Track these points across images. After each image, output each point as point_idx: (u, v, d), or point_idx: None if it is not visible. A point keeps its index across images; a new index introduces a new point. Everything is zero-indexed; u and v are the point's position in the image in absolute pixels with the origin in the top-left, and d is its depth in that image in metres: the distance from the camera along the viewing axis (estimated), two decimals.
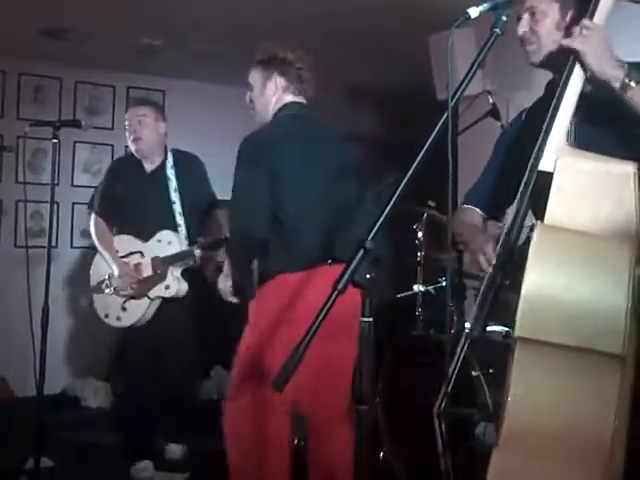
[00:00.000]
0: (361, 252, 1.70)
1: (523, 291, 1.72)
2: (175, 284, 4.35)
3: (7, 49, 5.94)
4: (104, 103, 6.73)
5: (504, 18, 1.91)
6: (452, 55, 1.97)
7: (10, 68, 6.29)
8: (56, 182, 6.39)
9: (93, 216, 4.58)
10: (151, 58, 6.08)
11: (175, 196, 4.46)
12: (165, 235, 4.41)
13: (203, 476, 4.36)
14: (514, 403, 1.75)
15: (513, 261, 1.97)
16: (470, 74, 1.86)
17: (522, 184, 2.00)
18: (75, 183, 6.57)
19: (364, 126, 7.50)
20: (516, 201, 2.02)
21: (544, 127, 1.99)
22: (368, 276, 1.71)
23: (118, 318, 4.48)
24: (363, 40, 5.39)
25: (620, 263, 1.72)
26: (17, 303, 6.23)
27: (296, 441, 3.83)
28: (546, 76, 2.42)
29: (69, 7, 4.87)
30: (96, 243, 4.52)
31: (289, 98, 3.33)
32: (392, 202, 1.73)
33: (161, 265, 4.36)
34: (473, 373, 3.35)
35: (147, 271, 4.41)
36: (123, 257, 4.50)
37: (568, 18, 2.22)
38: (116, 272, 4.45)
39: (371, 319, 1.79)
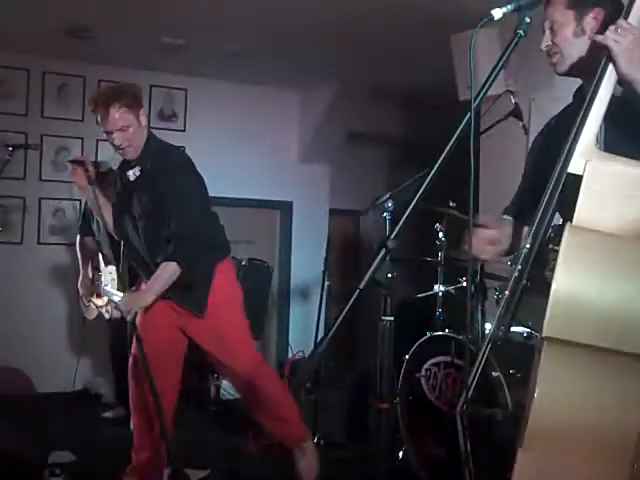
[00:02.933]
0: (382, 251, 1.71)
1: (552, 292, 1.72)
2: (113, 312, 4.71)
3: (31, 48, 6.00)
4: None
5: (527, 20, 1.91)
6: (475, 56, 1.97)
7: (34, 67, 6.34)
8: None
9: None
10: (173, 56, 6.12)
11: None
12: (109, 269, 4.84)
13: (224, 472, 4.38)
14: (540, 402, 1.75)
15: (538, 263, 1.97)
16: (493, 76, 1.86)
17: (550, 186, 1.99)
18: None
19: (387, 126, 7.51)
20: (543, 203, 2.02)
21: (574, 130, 1.98)
22: (389, 275, 1.72)
23: (88, 313, 5.10)
24: (385, 41, 5.39)
25: None
26: (40, 300, 6.31)
27: None
28: (570, 77, 2.42)
29: (92, 6, 4.91)
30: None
31: None
32: (414, 202, 1.74)
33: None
34: (493, 374, 3.35)
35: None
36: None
37: (585, 23, 2.21)
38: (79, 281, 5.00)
39: (392, 318, 1.79)
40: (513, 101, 4.20)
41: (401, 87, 6.77)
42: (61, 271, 6.41)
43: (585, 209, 1.85)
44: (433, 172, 1.77)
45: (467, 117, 1.81)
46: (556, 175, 1.96)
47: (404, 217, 1.75)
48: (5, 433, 4.49)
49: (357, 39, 5.42)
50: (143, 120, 3.67)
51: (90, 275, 5.01)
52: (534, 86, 4.86)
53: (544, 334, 1.73)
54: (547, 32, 2.26)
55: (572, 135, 1.97)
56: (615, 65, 1.98)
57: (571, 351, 1.73)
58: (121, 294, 3.78)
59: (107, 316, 4.88)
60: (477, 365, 2.05)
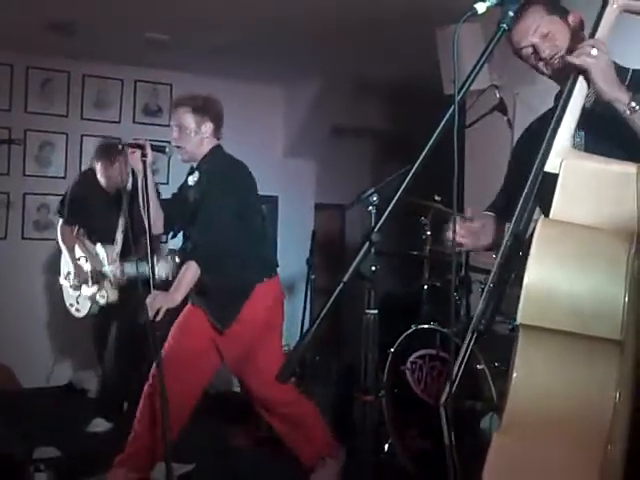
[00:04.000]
0: (366, 244, 1.72)
1: (525, 280, 1.79)
2: (109, 294, 4.94)
3: (15, 43, 5.95)
4: (112, 96, 6.75)
5: (511, 13, 1.93)
6: (459, 50, 1.98)
7: (18, 62, 6.31)
8: (63, 175, 6.53)
9: None
10: (158, 52, 6.10)
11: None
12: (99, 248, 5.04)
13: (209, 467, 4.38)
14: (516, 388, 1.81)
15: (519, 256, 2.00)
16: (476, 69, 1.87)
17: (528, 184, 2.05)
18: None
19: (372, 121, 7.52)
20: (521, 200, 2.07)
21: (549, 132, 2.05)
22: (373, 269, 1.73)
23: (77, 310, 5.19)
24: (370, 35, 5.39)
25: (618, 253, 1.79)
26: (25, 295, 6.29)
27: None
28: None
29: (76, 1, 4.88)
30: None
31: None
32: (397, 196, 1.75)
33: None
34: (478, 366, 3.36)
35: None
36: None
37: (570, 21, 2.31)
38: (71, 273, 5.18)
39: (376, 311, 1.81)
40: (498, 95, 4.22)
41: (386, 81, 6.77)
42: (45, 266, 6.39)
43: (561, 205, 1.93)
44: (416, 166, 1.78)
45: (450, 111, 1.82)
46: (533, 173, 2.03)
47: (387, 211, 1.76)
48: None
49: (341, 34, 5.42)
50: (205, 130, 3.80)
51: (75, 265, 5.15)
52: (518, 81, 4.87)
53: (518, 321, 1.80)
54: (539, 41, 2.34)
55: (548, 137, 2.03)
56: (593, 84, 2.05)
57: (544, 337, 1.80)
58: None
59: (102, 301, 4.96)
60: (461, 358, 2.08)
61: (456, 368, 2.05)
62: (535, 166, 2.04)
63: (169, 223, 3.95)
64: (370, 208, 4.24)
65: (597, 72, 2.03)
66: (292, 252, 6.50)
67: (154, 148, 3.74)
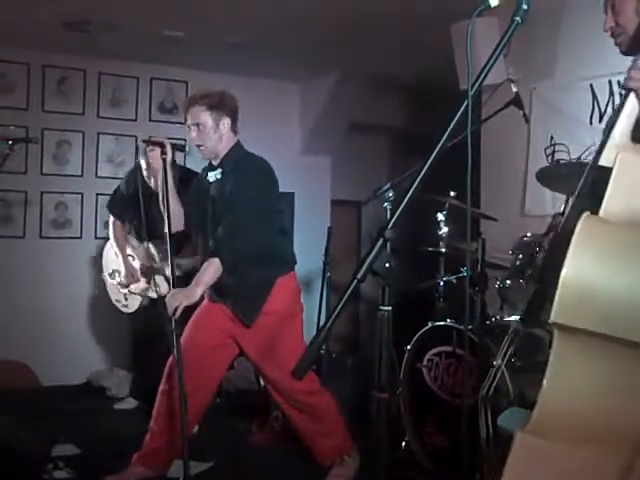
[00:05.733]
0: (380, 241, 1.71)
1: (561, 278, 1.72)
2: (161, 287, 4.95)
3: (31, 42, 5.99)
4: (127, 94, 6.77)
5: (525, 7, 1.90)
6: (473, 44, 1.97)
7: (34, 60, 6.34)
8: (80, 173, 6.57)
9: None
10: (174, 49, 6.11)
11: None
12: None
13: (227, 465, 4.39)
14: (548, 387, 1.77)
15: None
16: (490, 64, 1.85)
17: (582, 179, 1.99)
18: (99, 174, 6.61)
19: (388, 116, 7.50)
20: (574, 195, 2.03)
21: (608, 125, 2.00)
22: (387, 265, 1.72)
23: (125, 306, 5.26)
24: (386, 30, 5.38)
25: None
26: (43, 294, 6.32)
27: None
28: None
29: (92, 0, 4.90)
30: None
31: None
32: (410, 192, 1.73)
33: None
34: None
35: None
36: None
37: None
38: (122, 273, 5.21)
39: (390, 308, 1.80)
40: (514, 90, 4.19)
41: (402, 77, 6.76)
42: (64, 265, 6.42)
43: (612, 201, 1.85)
44: (430, 162, 1.76)
45: (464, 106, 1.81)
46: (588, 168, 1.97)
47: (401, 207, 1.75)
48: (9, 426, 4.50)
49: (358, 29, 5.41)
50: (223, 127, 3.79)
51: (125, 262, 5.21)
52: (536, 75, 4.85)
53: (551, 319, 1.73)
54: (608, 13, 2.27)
55: (606, 131, 1.97)
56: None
57: (580, 338, 1.74)
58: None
59: (154, 295, 5.03)
60: (502, 355, 2.07)
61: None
62: (592, 159, 1.98)
63: (188, 222, 3.95)
64: (386, 204, 4.24)
65: None
66: (308, 248, 6.49)
67: (174, 147, 3.75)
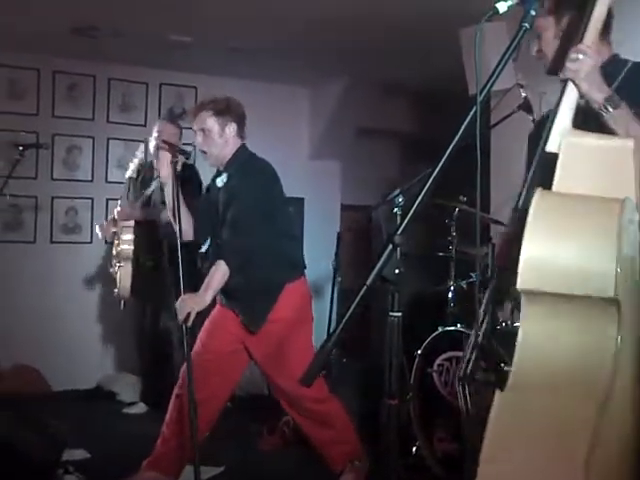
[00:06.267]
0: (389, 247, 1.70)
1: (523, 247, 1.89)
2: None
3: (41, 47, 6.01)
4: (137, 100, 6.79)
5: (533, 12, 1.91)
6: (482, 49, 1.97)
7: (44, 66, 6.35)
8: (90, 179, 6.59)
9: None
10: (183, 55, 6.12)
11: None
12: None
13: (238, 470, 4.39)
14: (520, 349, 1.88)
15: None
16: (499, 69, 1.85)
17: (532, 167, 2.11)
18: (109, 179, 6.63)
19: (397, 122, 7.49)
20: (527, 182, 2.12)
21: (551, 115, 2.11)
22: (397, 271, 1.72)
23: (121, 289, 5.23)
24: (395, 36, 5.37)
25: (608, 215, 1.88)
26: (54, 299, 6.34)
27: None
28: None
29: (100, 5, 4.90)
30: None
31: None
32: (420, 198, 1.73)
33: None
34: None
35: None
36: None
37: (564, 24, 2.37)
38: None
39: (400, 314, 1.79)
40: (523, 95, 4.18)
41: (411, 82, 6.75)
42: (74, 270, 6.43)
43: (561, 182, 2.01)
44: (439, 167, 1.76)
45: (473, 111, 1.81)
46: (536, 157, 2.10)
47: (410, 213, 1.75)
48: (19, 431, 4.51)
49: (367, 34, 5.40)
50: (229, 132, 3.80)
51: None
52: (545, 80, 4.82)
53: (518, 286, 1.90)
54: (535, 40, 2.48)
55: (550, 120, 2.10)
56: (579, 91, 2.12)
57: (543, 300, 1.90)
58: None
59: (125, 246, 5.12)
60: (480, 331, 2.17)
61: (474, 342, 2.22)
62: (539, 147, 2.08)
63: (198, 232, 3.93)
64: (395, 209, 4.23)
65: (580, 76, 2.09)
66: (318, 254, 6.49)
67: (181, 151, 3.76)
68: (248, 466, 4.47)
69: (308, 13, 5.01)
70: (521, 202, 2.09)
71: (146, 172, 5.39)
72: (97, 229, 5.33)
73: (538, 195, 1.94)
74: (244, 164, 3.84)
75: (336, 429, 3.95)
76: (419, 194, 1.76)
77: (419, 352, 4.12)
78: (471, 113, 1.82)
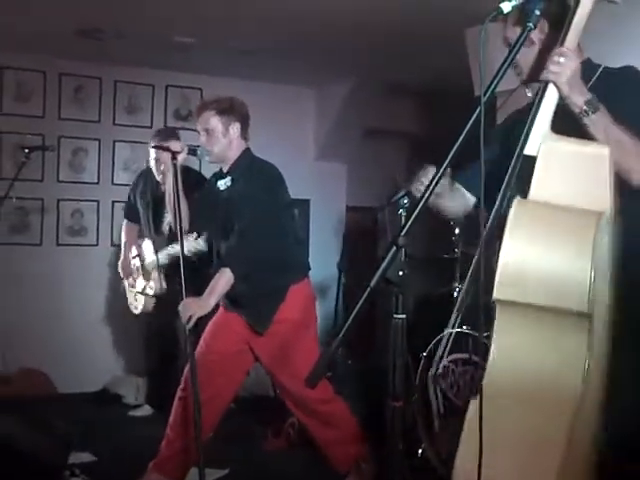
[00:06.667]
0: (393, 249, 1.70)
1: (500, 259, 1.91)
2: (157, 285, 5.13)
3: (47, 50, 6.02)
4: (143, 102, 6.79)
5: (537, 12, 1.90)
6: (487, 49, 1.97)
7: (50, 69, 6.37)
8: (96, 181, 6.60)
9: None
10: (188, 56, 6.12)
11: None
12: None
13: (243, 472, 4.38)
14: (492, 360, 1.92)
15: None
16: (503, 69, 1.85)
17: (509, 170, 2.08)
18: (115, 182, 6.63)
19: (403, 123, 7.48)
20: (504, 184, 2.10)
21: (529, 118, 2.11)
22: (401, 273, 1.71)
23: (135, 307, 5.41)
24: (401, 37, 5.36)
25: (585, 229, 1.89)
26: (60, 302, 6.35)
27: None
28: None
29: (105, 7, 4.90)
30: None
31: None
32: (423, 200, 1.73)
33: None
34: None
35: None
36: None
37: (536, 37, 2.38)
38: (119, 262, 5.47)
39: (404, 316, 1.79)
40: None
41: (417, 83, 6.73)
42: (80, 273, 6.44)
43: (539, 187, 2.02)
44: (443, 168, 1.76)
45: (477, 112, 1.80)
46: (514, 159, 2.08)
47: (414, 215, 1.74)
48: (25, 433, 4.51)
49: (373, 35, 5.40)
50: (233, 131, 3.79)
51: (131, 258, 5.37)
52: None
53: (494, 297, 1.92)
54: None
55: (528, 122, 2.10)
56: (560, 94, 2.13)
57: (518, 311, 1.93)
58: None
59: (151, 292, 5.16)
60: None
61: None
62: (517, 150, 2.07)
63: (194, 223, 3.95)
64: (401, 211, 4.22)
65: (561, 80, 2.10)
66: (324, 255, 6.49)
67: (188, 151, 3.76)
68: (253, 468, 4.47)
69: (313, 14, 5.00)
70: (502, 209, 2.07)
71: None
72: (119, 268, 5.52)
73: (516, 205, 1.95)
74: (249, 169, 3.83)
75: (341, 429, 3.94)
76: (423, 196, 1.75)
77: (424, 354, 4.11)
78: (475, 114, 1.81)
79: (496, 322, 1.93)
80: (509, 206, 1.98)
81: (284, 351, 3.82)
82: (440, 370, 2.32)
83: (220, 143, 3.78)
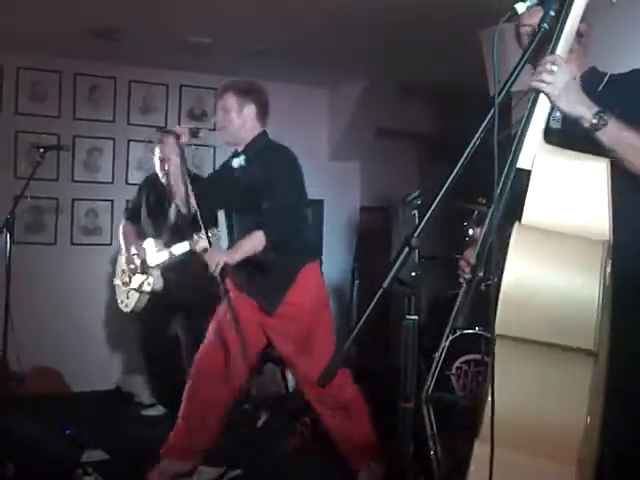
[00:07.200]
0: (406, 250, 1.70)
1: (501, 293, 1.83)
2: (156, 281, 5.12)
3: (62, 50, 6.04)
4: (157, 102, 6.81)
5: (552, 13, 1.90)
6: (502, 50, 1.96)
7: (66, 69, 6.39)
8: (111, 180, 6.62)
9: None
10: (203, 56, 6.13)
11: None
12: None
13: (257, 471, 4.38)
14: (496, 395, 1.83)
15: (490, 258, 1.98)
16: (517, 70, 1.84)
17: (500, 183, 1.97)
18: (129, 181, 6.65)
19: (417, 123, 7.46)
20: (494, 199, 1.99)
21: (520, 129, 2.02)
22: (413, 274, 1.71)
23: (126, 305, 5.38)
24: (415, 36, 5.35)
25: (592, 261, 1.80)
26: (74, 300, 6.37)
27: None
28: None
29: (120, 7, 4.92)
30: None
31: None
32: (436, 201, 1.72)
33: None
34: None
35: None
36: None
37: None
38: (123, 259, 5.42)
39: (416, 317, 1.78)
40: None
41: (431, 83, 6.72)
42: (94, 272, 6.46)
43: (533, 202, 1.94)
44: (457, 169, 1.75)
45: (491, 113, 1.79)
46: (505, 171, 1.97)
47: (427, 215, 1.74)
48: (39, 432, 4.54)
49: (387, 35, 5.39)
50: (248, 112, 3.85)
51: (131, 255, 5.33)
52: None
53: (496, 332, 1.84)
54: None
55: (519, 134, 2.01)
56: (555, 105, 2.03)
57: (521, 347, 1.84)
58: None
59: (149, 288, 5.13)
60: (439, 355, 2.18)
61: (435, 363, 2.09)
62: (509, 161, 1.98)
63: (207, 202, 3.95)
64: (414, 211, 4.23)
65: (556, 95, 2.00)
66: (338, 255, 6.50)
67: (191, 132, 3.84)
68: (265, 468, 4.47)
69: (327, 15, 5.00)
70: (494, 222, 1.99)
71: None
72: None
73: (517, 232, 1.87)
74: (264, 149, 3.88)
75: (357, 421, 3.93)
76: (436, 196, 1.75)
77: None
78: (490, 115, 1.80)
79: (497, 357, 1.86)
80: (502, 219, 1.92)
81: (302, 335, 3.84)
82: (432, 387, 2.24)
83: (233, 122, 3.84)
